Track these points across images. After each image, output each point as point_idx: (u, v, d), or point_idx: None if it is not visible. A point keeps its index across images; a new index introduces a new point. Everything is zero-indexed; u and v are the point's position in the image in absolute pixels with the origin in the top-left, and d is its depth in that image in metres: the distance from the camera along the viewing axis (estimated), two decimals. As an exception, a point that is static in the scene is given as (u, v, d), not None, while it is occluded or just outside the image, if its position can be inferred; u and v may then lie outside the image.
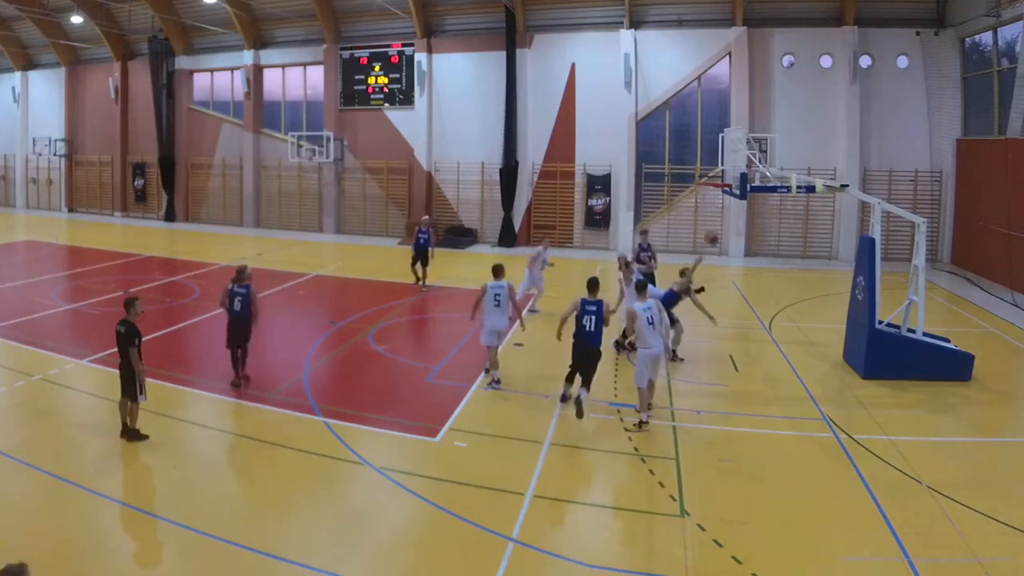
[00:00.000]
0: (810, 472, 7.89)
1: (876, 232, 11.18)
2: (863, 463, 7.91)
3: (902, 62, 21.91)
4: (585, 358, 9.16)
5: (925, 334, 11.01)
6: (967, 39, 20.84)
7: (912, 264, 11.14)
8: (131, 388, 8.05)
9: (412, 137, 26.68)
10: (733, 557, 6.04)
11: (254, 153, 29.33)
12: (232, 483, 7.60)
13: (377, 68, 27.07)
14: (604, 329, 9.25)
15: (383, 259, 21.55)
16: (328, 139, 27.23)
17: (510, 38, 24.59)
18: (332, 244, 26.18)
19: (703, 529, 6.49)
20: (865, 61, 22.05)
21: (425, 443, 8.40)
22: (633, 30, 23.58)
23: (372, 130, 27.35)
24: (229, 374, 10.29)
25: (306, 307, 15.87)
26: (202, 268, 19.77)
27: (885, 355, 10.76)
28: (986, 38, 20.04)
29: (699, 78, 23.49)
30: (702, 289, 11.64)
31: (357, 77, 27.40)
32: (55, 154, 33.63)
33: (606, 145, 24.10)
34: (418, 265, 17.41)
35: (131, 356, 8.01)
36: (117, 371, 8.24)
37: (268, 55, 29.10)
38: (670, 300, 11.21)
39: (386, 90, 27.03)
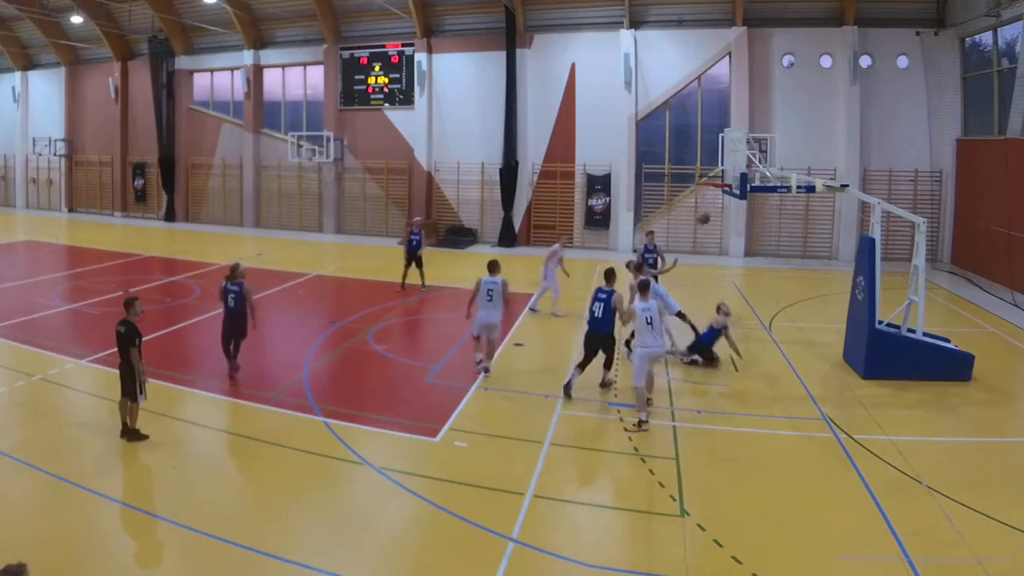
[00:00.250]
0: (810, 472, 7.89)
1: (876, 232, 11.18)
2: (863, 463, 7.91)
3: (902, 62, 21.91)
4: (591, 341, 9.79)
5: (925, 334, 11.01)
6: (967, 39, 20.84)
7: (912, 264, 11.14)
8: (131, 388, 8.05)
9: (412, 137, 26.68)
10: (733, 557, 6.04)
11: (254, 153, 29.34)
12: (232, 483, 7.59)
13: (377, 68, 27.07)
14: (617, 319, 9.64)
15: (383, 259, 21.51)
16: (328, 139, 27.24)
17: (510, 38, 24.59)
18: (332, 244, 26.18)
19: (703, 529, 6.49)
20: (865, 61, 22.05)
21: (425, 443, 8.40)
22: (633, 30, 23.59)
23: (372, 130, 27.35)
24: (229, 374, 10.34)
25: (306, 307, 15.87)
26: (202, 268, 19.76)
27: (885, 355, 10.76)
28: (986, 38, 20.04)
29: (699, 78, 23.49)
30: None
31: (357, 77, 27.41)
32: (55, 154, 33.63)
33: (606, 145, 24.10)
34: (411, 267, 17.10)
35: (132, 356, 8.01)
36: (117, 371, 8.24)
37: (268, 55, 29.10)
38: (711, 338, 11.23)
39: (386, 90, 27.04)
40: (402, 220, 26.66)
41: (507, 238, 25.18)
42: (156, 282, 18.03)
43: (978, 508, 6.80)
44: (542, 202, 25.37)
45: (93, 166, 33.53)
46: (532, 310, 14.98)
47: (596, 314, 9.64)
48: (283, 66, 29.08)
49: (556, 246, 15.43)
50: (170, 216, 31.13)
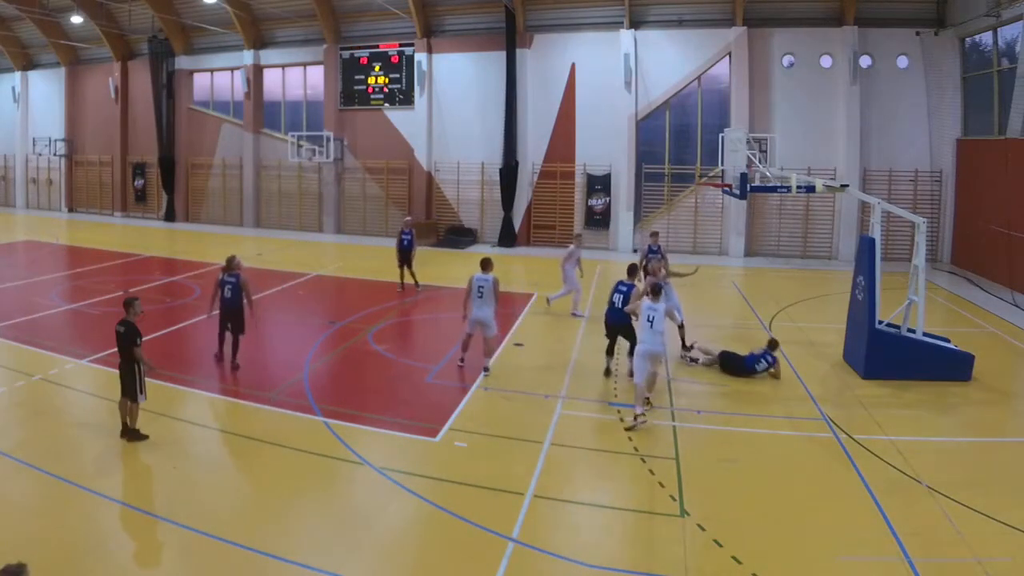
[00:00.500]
0: (810, 472, 7.89)
1: (876, 232, 11.18)
2: (863, 463, 7.91)
3: (902, 62, 21.91)
4: (610, 330, 10.81)
5: (925, 334, 11.01)
6: (967, 39, 20.84)
7: (912, 264, 11.14)
8: (131, 388, 8.05)
9: (412, 137, 26.68)
10: (733, 557, 6.04)
11: (254, 153, 29.34)
12: (232, 483, 7.59)
13: (377, 68, 27.08)
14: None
15: (383, 259, 21.50)
16: (328, 139, 27.24)
17: (510, 38, 24.59)
18: (332, 244, 26.18)
19: (703, 529, 6.49)
20: (865, 61, 22.05)
21: (425, 443, 8.40)
22: (633, 30, 23.59)
23: (372, 130, 27.35)
24: (229, 375, 10.37)
25: (306, 307, 15.87)
26: (202, 268, 19.76)
27: (885, 355, 10.76)
28: (986, 38, 20.04)
29: (699, 78, 23.49)
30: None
31: (357, 77, 27.41)
32: (55, 154, 33.65)
33: (606, 145, 24.11)
34: (405, 267, 17.08)
35: (135, 353, 8.02)
36: (117, 371, 8.24)
37: (268, 55, 29.11)
38: (752, 363, 10.91)
39: (386, 90, 27.04)
40: (402, 220, 26.65)
41: (507, 238, 25.19)
42: (156, 282, 18.03)
43: (978, 508, 6.80)
44: (542, 202, 25.37)
45: (93, 166, 33.53)
46: (575, 314, 14.69)
47: (616, 304, 10.58)
48: (283, 66, 29.08)
49: (572, 247, 15.23)
50: (170, 216, 31.13)
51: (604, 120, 23.97)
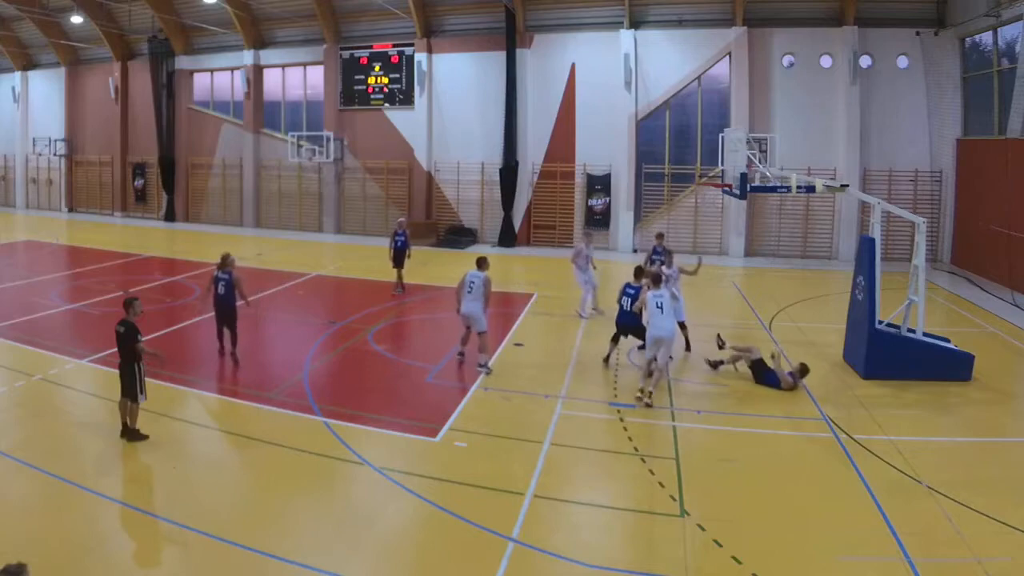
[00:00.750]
0: (810, 472, 7.89)
1: (876, 232, 11.18)
2: (863, 463, 7.91)
3: (902, 62, 21.90)
4: (622, 330, 11.21)
5: (925, 334, 11.00)
6: (967, 39, 20.84)
7: (912, 264, 11.14)
8: (131, 388, 8.05)
9: (412, 137, 26.68)
10: (733, 557, 6.04)
11: (254, 153, 29.34)
12: (232, 483, 7.58)
13: (377, 68, 27.07)
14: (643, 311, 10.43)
15: (383, 259, 21.47)
16: (328, 139, 27.24)
17: (510, 38, 24.58)
18: (332, 244, 26.18)
19: (703, 529, 6.49)
20: (865, 61, 22.05)
21: (425, 443, 8.39)
22: (633, 30, 23.59)
23: (372, 130, 27.35)
24: (229, 375, 10.38)
25: (306, 307, 15.87)
26: (202, 268, 19.73)
27: (885, 355, 10.75)
28: (986, 38, 20.04)
29: (699, 78, 23.49)
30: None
31: (357, 77, 27.41)
32: (55, 154, 33.64)
33: (606, 145, 24.11)
34: (398, 268, 17.03)
35: (137, 349, 8.04)
36: (117, 371, 8.24)
37: (268, 55, 29.10)
38: (778, 383, 10.52)
39: (386, 90, 27.03)
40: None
41: (507, 238, 25.18)
42: (156, 282, 18.04)
43: (978, 508, 6.79)
44: (542, 202, 25.37)
45: (93, 166, 33.53)
46: (596, 311, 14.56)
47: (625, 307, 10.91)
48: (283, 66, 29.08)
49: (580, 246, 15.13)
50: (170, 216, 31.13)
51: (604, 120, 23.97)
